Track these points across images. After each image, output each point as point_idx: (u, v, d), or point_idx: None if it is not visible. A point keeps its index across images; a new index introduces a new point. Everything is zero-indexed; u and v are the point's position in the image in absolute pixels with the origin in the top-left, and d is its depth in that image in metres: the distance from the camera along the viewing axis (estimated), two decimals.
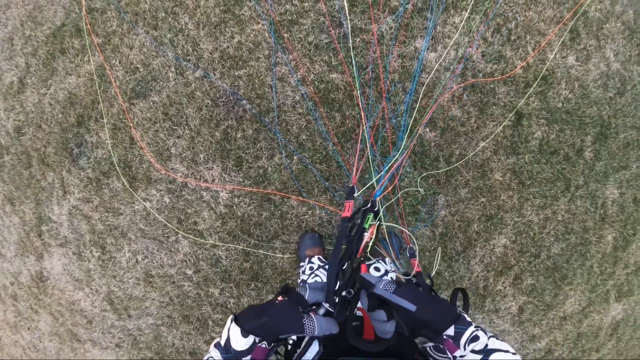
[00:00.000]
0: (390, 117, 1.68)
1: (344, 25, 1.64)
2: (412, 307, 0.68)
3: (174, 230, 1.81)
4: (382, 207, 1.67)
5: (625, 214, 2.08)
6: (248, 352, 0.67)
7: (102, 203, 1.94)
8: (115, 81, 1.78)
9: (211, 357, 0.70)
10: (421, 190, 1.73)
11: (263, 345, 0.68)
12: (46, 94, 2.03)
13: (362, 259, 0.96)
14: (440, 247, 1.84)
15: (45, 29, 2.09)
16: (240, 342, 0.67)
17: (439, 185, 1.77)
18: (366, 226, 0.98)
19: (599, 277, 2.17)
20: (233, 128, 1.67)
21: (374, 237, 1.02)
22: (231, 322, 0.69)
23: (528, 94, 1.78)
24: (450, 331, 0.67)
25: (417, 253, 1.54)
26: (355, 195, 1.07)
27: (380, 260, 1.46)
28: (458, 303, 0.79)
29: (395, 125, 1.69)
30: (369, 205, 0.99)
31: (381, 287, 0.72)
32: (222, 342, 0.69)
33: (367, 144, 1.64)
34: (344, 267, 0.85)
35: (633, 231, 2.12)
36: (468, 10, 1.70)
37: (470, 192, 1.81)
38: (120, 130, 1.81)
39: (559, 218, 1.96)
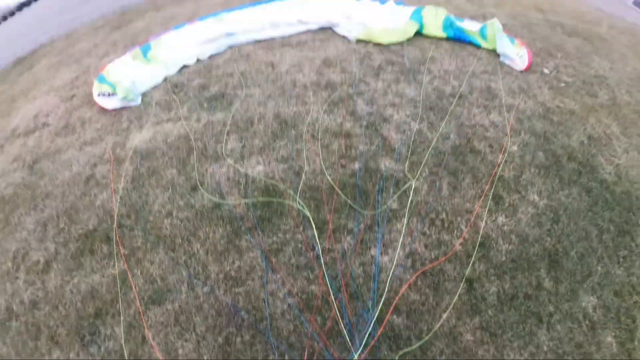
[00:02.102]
0: (361, 313, 2.14)
1: (316, 249, 2.21)
2: None
3: None
4: None
5: (614, 310, 2.12)
6: None
7: None
8: (135, 287, 2.20)
9: None
10: None
11: None
12: (69, 282, 2.38)
13: None
14: None
15: (79, 228, 2.57)
16: None
17: None
18: None
19: None
20: (233, 334, 2.07)
21: None
22: None
23: (471, 262, 2.13)
24: None
25: None
26: None
27: None
28: None
29: (369, 319, 2.12)
30: None
31: None
32: None
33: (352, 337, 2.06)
34: None
35: (631, 319, 2.11)
36: (406, 217, 2.29)
37: (448, 358, 1.99)
38: (135, 328, 2.15)
39: (545, 349, 1.99)
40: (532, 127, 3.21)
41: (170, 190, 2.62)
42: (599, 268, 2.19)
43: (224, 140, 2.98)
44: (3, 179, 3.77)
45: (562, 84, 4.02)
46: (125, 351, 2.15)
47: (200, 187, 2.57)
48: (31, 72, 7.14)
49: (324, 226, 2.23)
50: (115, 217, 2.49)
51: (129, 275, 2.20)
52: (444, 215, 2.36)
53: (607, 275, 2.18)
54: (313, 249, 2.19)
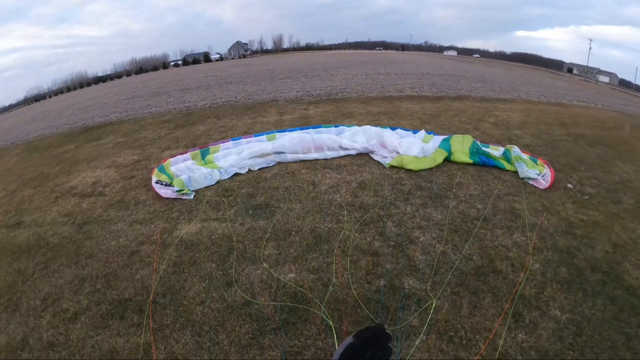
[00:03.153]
0: None
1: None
2: None
3: None
4: None
5: None
6: None
7: None
8: None
9: None
10: None
11: None
12: (93, 337, 2.52)
13: None
14: None
15: (115, 294, 2.89)
16: None
17: None
18: None
19: None
20: None
21: None
22: None
23: None
24: None
25: None
26: None
27: None
28: None
29: None
30: None
31: None
32: None
33: None
34: None
35: None
36: (423, 332, 2.37)
37: None
38: None
39: None
40: (555, 243, 3.22)
41: (207, 281, 2.93)
42: None
43: (263, 246, 3.33)
44: (51, 227, 4.25)
45: (586, 197, 4.10)
46: None
47: (235, 283, 2.92)
48: (97, 143, 8.50)
49: (345, 336, 2.48)
50: (152, 293, 2.82)
51: (153, 348, 2.38)
52: (462, 332, 2.45)
53: None
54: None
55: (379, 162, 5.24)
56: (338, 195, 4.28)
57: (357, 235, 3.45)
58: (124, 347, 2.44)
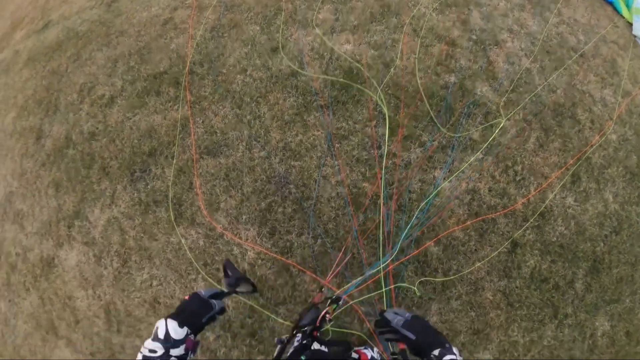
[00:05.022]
0: (401, 226, 2.03)
1: (382, 149, 2.06)
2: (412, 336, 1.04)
3: (197, 269, 2.07)
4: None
5: (616, 347, 2.15)
6: (182, 342, 0.99)
7: (143, 225, 2.22)
8: (194, 134, 2.16)
9: (151, 349, 0.97)
10: (416, 290, 1.99)
11: (192, 337, 1.03)
12: (131, 118, 2.40)
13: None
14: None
15: (149, 69, 2.54)
16: (177, 332, 0.99)
17: (434, 293, 2.04)
18: (329, 310, 1.32)
19: None
20: (277, 203, 2.02)
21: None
22: (166, 319, 1.02)
23: (525, 227, 2.06)
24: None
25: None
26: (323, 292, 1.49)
27: (367, 348, 1.72)
28: None
29: (404, 236, 2.03)
30: (334, 297, 1.39)
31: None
32: (161, 336, 0.98)
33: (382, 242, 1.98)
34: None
35: None
36: (481, 151, 2.11)
37: (461, 305, 2.02)
38: (184, 173, 2.15)
39: (545, 343, 2.05)
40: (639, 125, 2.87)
41: (249, 46, 2.46)
42: (627, 301, 2.13)
43: (317, 8, 2.66)
44: (79, 15, 3.78)
45: None
46: (170, 192, 2.16)
47: (281, 50, 2.40)
48: None
49: (397, 129, 2.07)
50: (188, 63, 2.44)
51: (191, 122, 2.17)
52: (519, 167, 2.15)
53: (629, 312, 2.12)
54: (379, 147, 2.04)
55: None
56: None
57: (434, 15, 2.59)
58: (161, 124, 2.27)
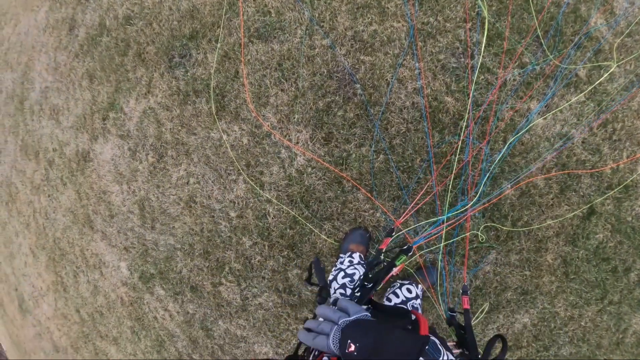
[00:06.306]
0: (482, 160, 1.68)
1: (475, 59, 1.64)
2: None
3: (239, 170, 1.85)
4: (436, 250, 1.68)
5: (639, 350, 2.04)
6: None
7: (181, 117, 1.99)
8: (243, 15, 1.81)
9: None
10: (481, 235, 1.74)
11: None
12: None
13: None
14: (488, 303, 1.84)
15: None
16: None
17: (497, 241, 1.77)
18: (397, 263, 1.05)
19: None
20: (337, 104, 1.69)
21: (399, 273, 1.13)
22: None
23: (607, 195, 1.76)
24: None
25: (469, 292, 1.56)
26: (393, 236, 1.13)
27: (413, 284, 1.50)
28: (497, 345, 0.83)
29: (483, 172, 1.69)
30: (405, 247, 1.09)
31: None
32: None
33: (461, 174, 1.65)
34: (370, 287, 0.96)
35: None
36: (585, 94, 1.68)
37: (519, 261, 1.81)
38: (230, 60, 1.84)
39: (582, 323, 1.94)
40: None
41: None
42: None
43: None
44: None
45: None
46: (212, 81, 1.89)
47: None
48: None
49: (497, 40, 1.61)
50: None
51: None
52: (619, 126, 1.70)
53: None
54: (471, 57, 1.60)
55: None
56: None
57: None
58: (205, 2, 1.92)
